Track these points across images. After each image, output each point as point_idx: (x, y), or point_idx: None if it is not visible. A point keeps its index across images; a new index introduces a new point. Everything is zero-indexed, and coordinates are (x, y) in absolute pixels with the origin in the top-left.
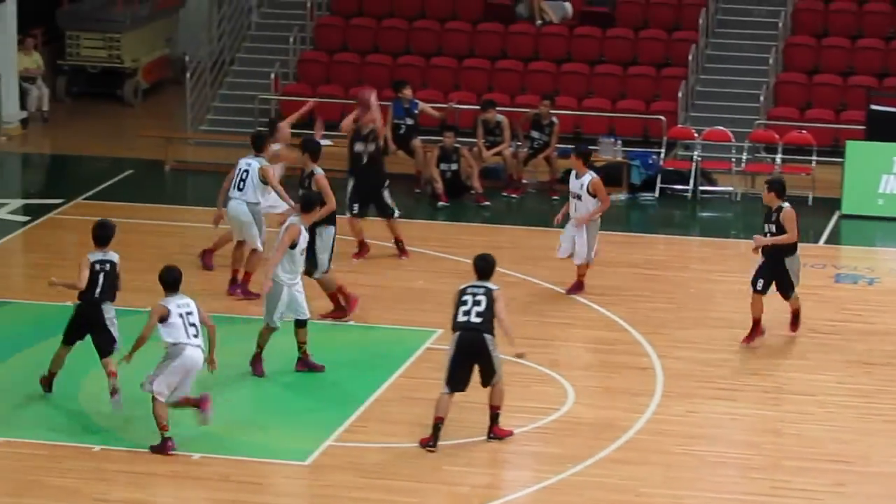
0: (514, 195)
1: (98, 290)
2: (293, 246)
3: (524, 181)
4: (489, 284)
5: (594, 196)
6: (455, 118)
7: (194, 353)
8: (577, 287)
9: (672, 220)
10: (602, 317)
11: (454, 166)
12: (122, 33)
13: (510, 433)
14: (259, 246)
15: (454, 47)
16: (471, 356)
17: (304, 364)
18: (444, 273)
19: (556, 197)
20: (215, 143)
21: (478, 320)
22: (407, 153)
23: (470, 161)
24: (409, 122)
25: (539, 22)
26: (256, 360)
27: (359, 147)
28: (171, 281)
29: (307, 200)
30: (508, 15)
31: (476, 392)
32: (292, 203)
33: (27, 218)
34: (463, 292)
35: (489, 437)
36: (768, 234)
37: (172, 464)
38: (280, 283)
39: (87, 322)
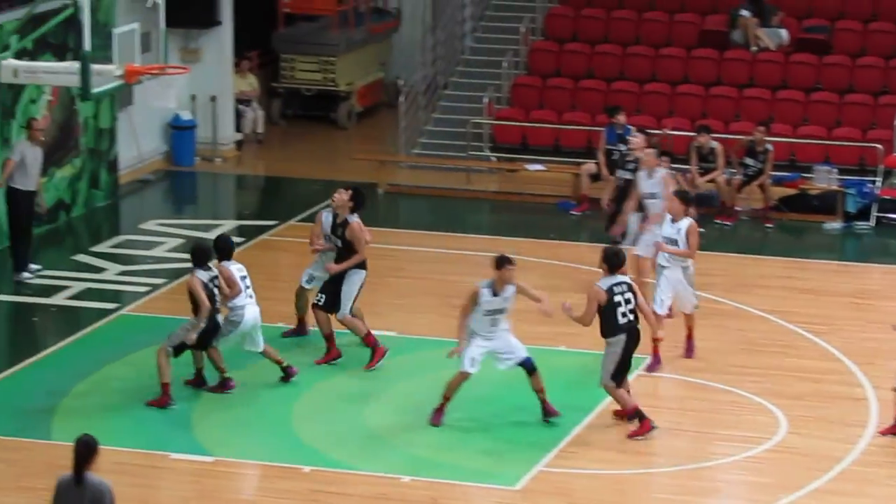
0: (727, 223)
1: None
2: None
3: (738, 208)
4: (625, 278)
5: (687, 241)
6: (668, 144)
7: (254, 310)
8: (690, 348)
9: (888, 249)
10: (815, 346)
11: None
12: (337, 57)
13: None
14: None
15: (669, 73)
16: (633, 350)
17: (546, 409)
18: (650, 300)
19: (769, 225)
20: (428, 167)
21: (633, 316)
22: None
23: (684, 187)
24: (623, 147)
25: (754, 49)
26: (439, 410)
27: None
28: (225, 248)
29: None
30: (723, 41)
31: (686, 418)
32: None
33: (241, 239)
34: (611, 293)
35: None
36: None
37: (382, 486)
38: (473, 334)
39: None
